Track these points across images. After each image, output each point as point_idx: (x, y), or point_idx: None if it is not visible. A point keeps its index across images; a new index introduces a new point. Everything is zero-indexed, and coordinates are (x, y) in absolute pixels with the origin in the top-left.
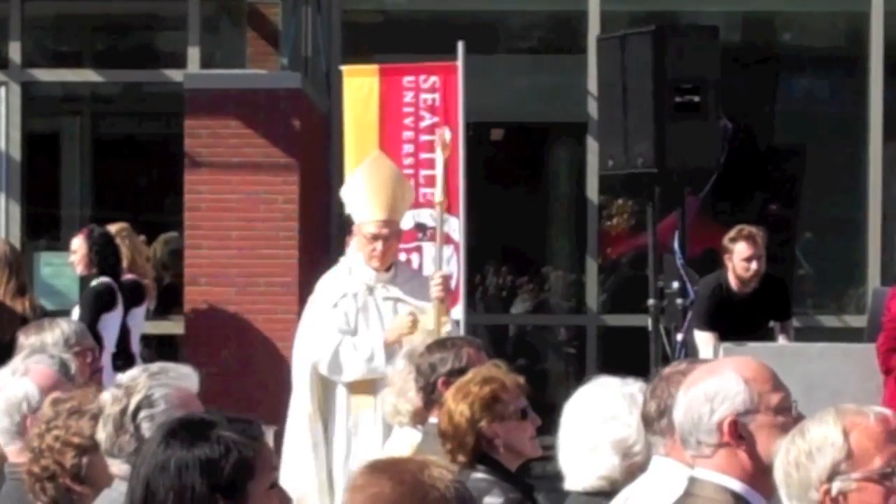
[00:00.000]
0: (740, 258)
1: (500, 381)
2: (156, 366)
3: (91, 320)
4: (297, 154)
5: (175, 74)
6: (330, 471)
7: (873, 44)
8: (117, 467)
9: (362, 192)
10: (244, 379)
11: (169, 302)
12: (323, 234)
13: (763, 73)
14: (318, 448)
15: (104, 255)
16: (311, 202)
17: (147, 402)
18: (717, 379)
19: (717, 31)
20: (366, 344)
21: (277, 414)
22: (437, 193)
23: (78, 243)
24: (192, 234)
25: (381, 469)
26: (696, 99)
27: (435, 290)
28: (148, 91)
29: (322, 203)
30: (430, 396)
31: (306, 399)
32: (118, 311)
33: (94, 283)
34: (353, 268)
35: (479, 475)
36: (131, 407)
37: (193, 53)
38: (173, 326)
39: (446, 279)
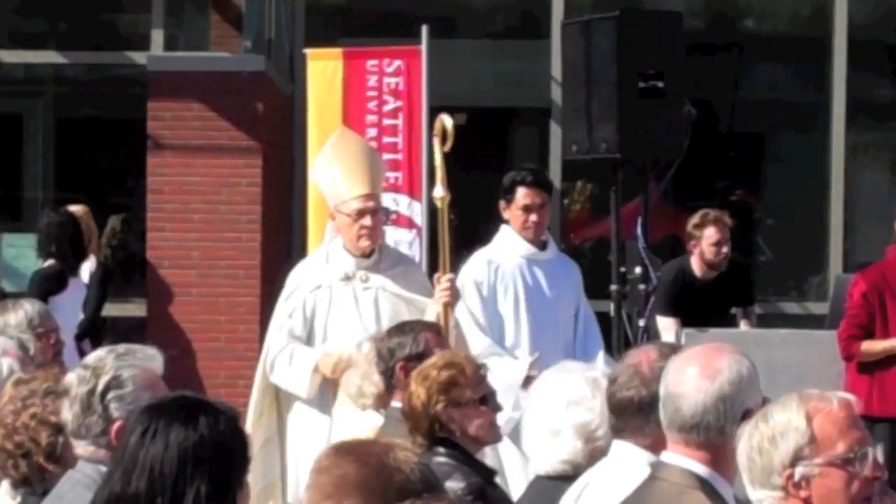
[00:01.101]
0: (709, 243)
1: (460, 366)
2: (122, 347)
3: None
4: (260, 137)
5: (138, 57)
6: (284, 466)
7: (836, 31)
8: (83, 448)
9: (336, 170)
10: (206, 362)
11: (131, 284)
12: (286, 218)
13: (726, 59)
14: (270, 443)
15: (52, 238)
16: (275, 185)
17: (116, 382)
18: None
19: (680, 18)
20: (301, 363)
21: (238, 397)
22: (438, 189)
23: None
24: (154, 216)
25: (347, 451)
26: (660, 85)
27: (442, 296)
28: (111, 73)
29: (285, 186)
30: (390, 381)
31: (255, 399)
32: (71, 292)
33: (44, 265)
34: (330, 255)
35: (441, 459)
36: (100, 387)
37: (157, 36)
38: (135, 309)
39: (454, 282)
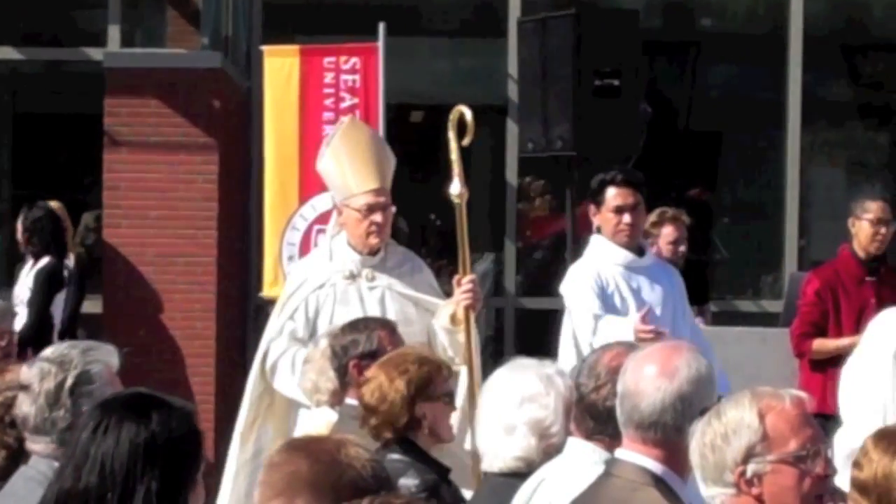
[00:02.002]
0: (666, 241)
1: (434, 363)
2: (83, 343)
3: (44, 302)
4: (217, 134)
5: (95, 53)
6: None
7: (792, 30)
8: (39, 444)
9: (345, 162)
10: (162, 357)
11: (88, 281)
12: (243, 214)
13: (683, 58)
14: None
15: (46, 234)
16: (231, 182)
17: (85, 377)
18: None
19: (636, 16)
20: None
21: (193, 393)
22: (455, 185)
23: (19, 221)
24: (110, 212)
25: (299, 447)
26: (616, 83)
27: (463, 298)
28: (68, 69)
29: (242, 183)
30: (343, 378)
31: (248, 403)
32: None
33: (41, 264)
34: (334, 252)
35: (395, 456)
36: (69, 382)
37: (114, 32)
38: (92, 305)
39: (476, 284)
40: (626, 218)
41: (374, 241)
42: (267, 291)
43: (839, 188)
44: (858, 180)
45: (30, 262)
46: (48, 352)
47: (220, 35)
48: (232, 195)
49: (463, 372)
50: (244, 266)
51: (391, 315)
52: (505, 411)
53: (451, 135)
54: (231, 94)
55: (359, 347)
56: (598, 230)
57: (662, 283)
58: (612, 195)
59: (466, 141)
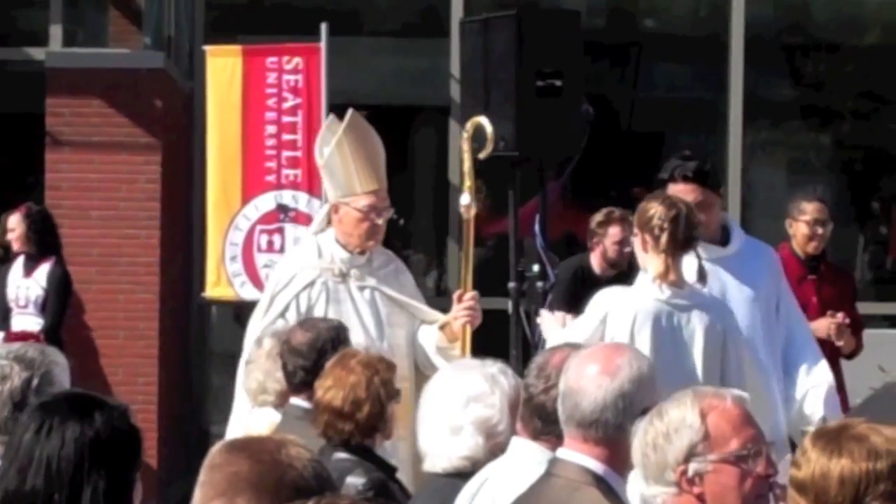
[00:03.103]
0: (612, 241)
1: (391, 364)
2: (37, 344)
3: (65, 304)
4: (159, 134)
5: (37, 53)
6: None
7: (734, 31)
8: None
9: (351, 159)
10: (105, 359)
11: None
12: (185, 215)
13: (625, 58)
14: None
15: (42, 234)
16: (174, 182)
17: (49, 378)
18: None
19: (578, 17)
20: None
21: (137, 394)
22: (465, 197)
23: (15, 221)
24: (53, 213)
25: (239, 448)
26: (558, 83)
27: (462, 315)
28: (9, 69)
29: (185, 183)
30: (293, 379)
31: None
32: None
33: (48, 265)
34: (322, 248)
35: (342, 455)
36: (35, 382)
37: (55, 32)
38: None
39: (478, 301)
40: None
41: (370, 243)
42: (210, 292)
43: (780, 188)
44: (800, 180)
45: (19, 261)
46: (2, 352)
47: (162, 35)
48: (174, 195)
49: None
50: (187, 266)
51: (382, 316)
52: (450, 411)
53: (465, 146)
54: (173, 94)
55: None
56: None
57: (743, 275)
58: (675, 191)
59: (484, 154)
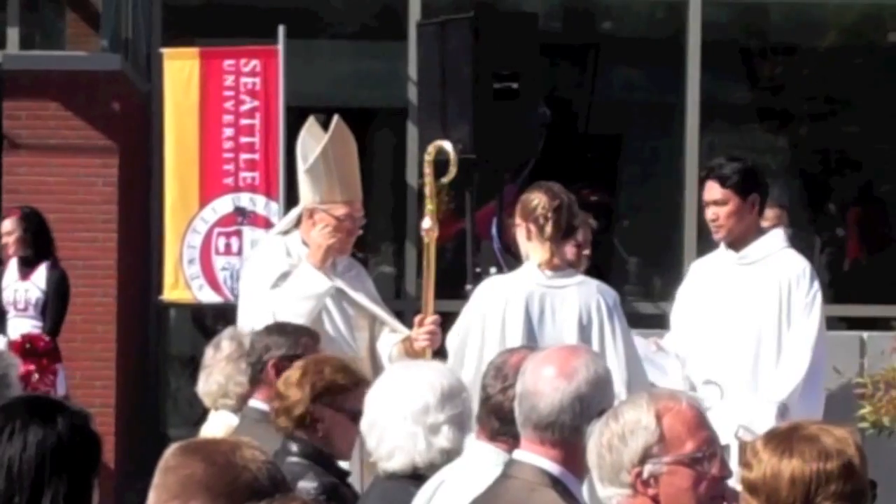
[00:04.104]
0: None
1: (355, 377)
2: None
3: (65, 307)
4: (116, 137)
5: None
6: None
7: (691, 33)
8: None
9: (334, 167)
10: (63, 361)
11: None
12: (143, 217)
13: (583, 60)
14: None
15: (38, 236)
16: (131, 185)
17: (6, 381)
18: None
19: (536, 19)
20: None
21: (94, 397)
22: (426, 221)
23: (11, 225)
24: None
25: (194, 450)
26: (515, 86)
27: (422, 339)
28: None
29: (142, 186)
30: (258, 375)
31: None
32: None
33: (45, 267)
34: (290, 249)
35: (294, 459)
36: None
37: (12, 34)
38: None
39: (438, 326)
40: (708, 213)
41: (340, 253)
42: (167, 294)
43: None
44: None
45: (13, 264)
46: None
47: (119, 37)
48: (132, 198)
49: None
50: (145, 269)
51: (350, 319)
52: (400, 414)
53: (427, 170)
54: (131, 96)
55: (282, 349)
56: None
57: (752, 281)
58: (703, 188)
59: (446, 179)
